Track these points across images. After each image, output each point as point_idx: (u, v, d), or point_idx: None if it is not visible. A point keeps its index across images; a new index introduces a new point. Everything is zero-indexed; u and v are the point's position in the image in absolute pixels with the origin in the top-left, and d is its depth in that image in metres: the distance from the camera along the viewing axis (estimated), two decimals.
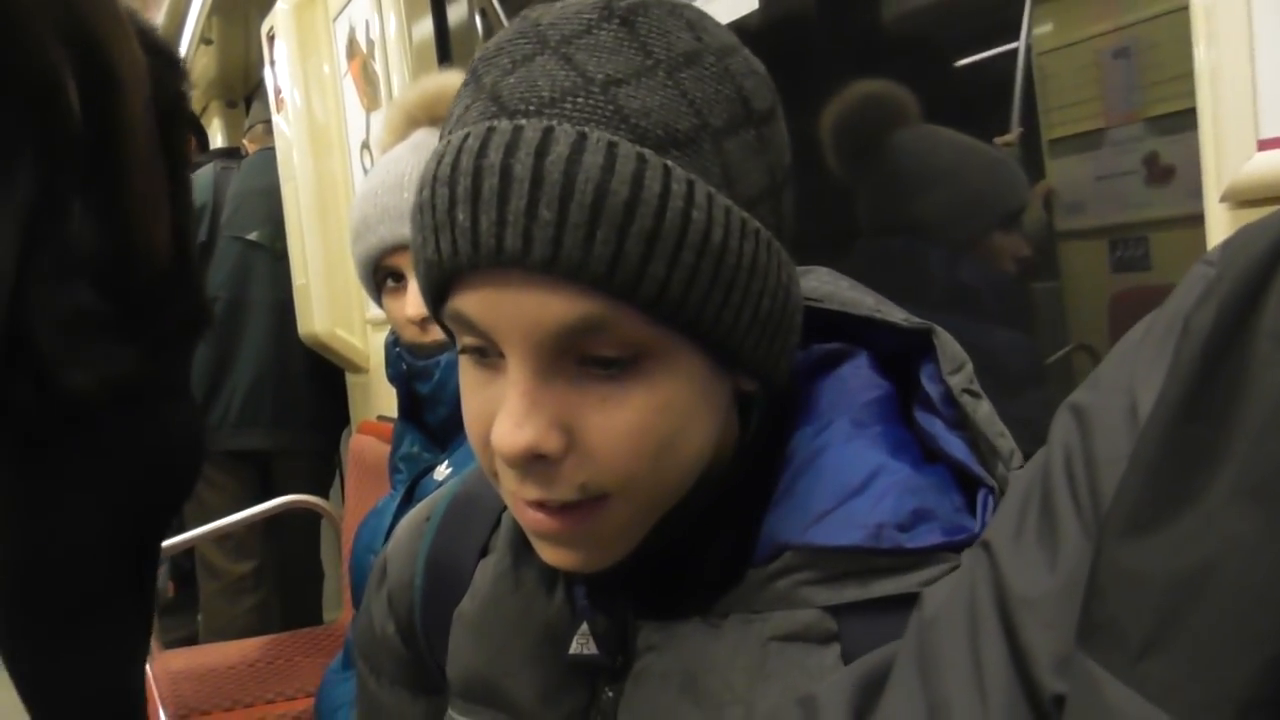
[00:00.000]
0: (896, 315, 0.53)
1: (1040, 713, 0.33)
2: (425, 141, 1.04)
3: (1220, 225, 0.60)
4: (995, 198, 0.90)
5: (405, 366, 1.05)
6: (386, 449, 1.85)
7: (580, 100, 0.42)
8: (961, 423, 0.51)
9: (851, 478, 0.48)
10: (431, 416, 1.07)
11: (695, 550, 0.50)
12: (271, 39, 2.41)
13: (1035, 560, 0.36)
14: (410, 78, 1.90)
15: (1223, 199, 0.59)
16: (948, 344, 0.52)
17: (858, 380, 0.52)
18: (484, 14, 1.79)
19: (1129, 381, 0.35)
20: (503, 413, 0.43)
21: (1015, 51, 0.82)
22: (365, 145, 2.14)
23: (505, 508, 0.57)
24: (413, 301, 1.01)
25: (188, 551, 2.70)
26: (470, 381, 0.46)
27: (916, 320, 0.53)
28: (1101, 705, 0.30)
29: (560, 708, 0.52)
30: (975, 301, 0.92)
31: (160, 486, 1.29)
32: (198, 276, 1.34)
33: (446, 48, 1.90)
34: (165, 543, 2.14)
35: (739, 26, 1.00)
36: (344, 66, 2.21)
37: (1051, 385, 0.87)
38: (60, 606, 1.19)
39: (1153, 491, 0.32)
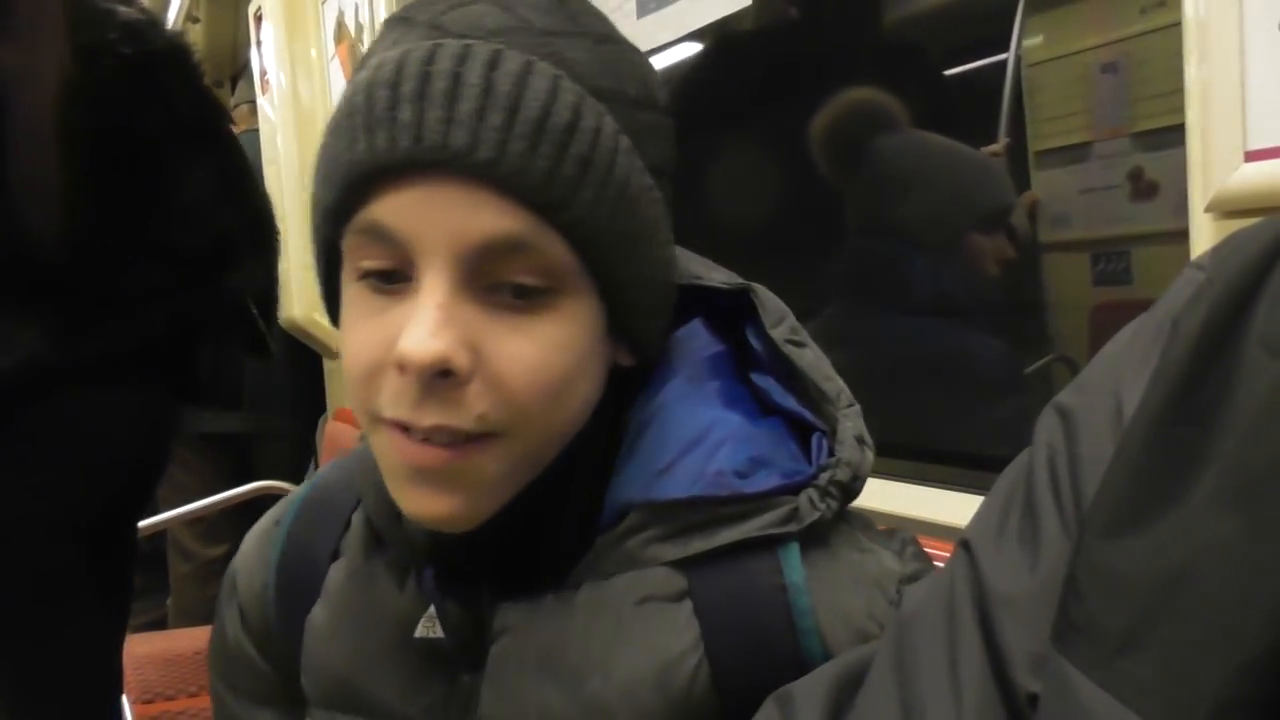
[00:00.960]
0: (716, 277, 0.54)
1: (1014, 712, 0.33)
2: None
3: (1205, 235, 0.61)
4: (979, 200, 0.90)
5: None
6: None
7: (521, 39, 0.44)
8: (794, 375, 0.52)
9: (688, 432, 0.49)
10: None
11: (546, 521, 0.50)
12: (259, 20, 2.38)
13: (1015, 559, 0.36)
14: None
15: (1208, 209, 0.60)
16: (767, 299, 0.53)
17: (694, 341, 0.53)
18: None
19: (1115, 384, 0.35)
20: (414, 323, 0.42)
21: (1004, 63, 0.83)
22: None
23: (355, 508, 0.58)
24: None
25: (156, 534, 2.68)
26: (361, 310, 0.46)
27: (736, 280, 0.54)
28: (1074, 705, 0.30)
29: (419, 700, 0.51)
30: (956, 307, 0.93)
31: (106, 474, 1.25)
32: (181, 264, 1.25)
33: None
34: (138, 525, 2.13)
35: (731, 30, 1.00)
36: (331, 49, 2.19)
37: (1032, 394, 0.87)
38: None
39: (1135, 492, 0.32)
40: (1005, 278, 0.88)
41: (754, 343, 0.53)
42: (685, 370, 0.52)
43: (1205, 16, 0.59)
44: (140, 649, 1.93)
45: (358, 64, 0.48)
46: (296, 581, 0.58)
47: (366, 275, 0.45)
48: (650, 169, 0.47)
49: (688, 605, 0.48)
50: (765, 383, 0.52)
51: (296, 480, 2.47)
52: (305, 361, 2.47)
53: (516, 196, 0.42)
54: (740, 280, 0.54)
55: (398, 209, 0.43)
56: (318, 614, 0.56)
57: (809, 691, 0.41)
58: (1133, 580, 0.30)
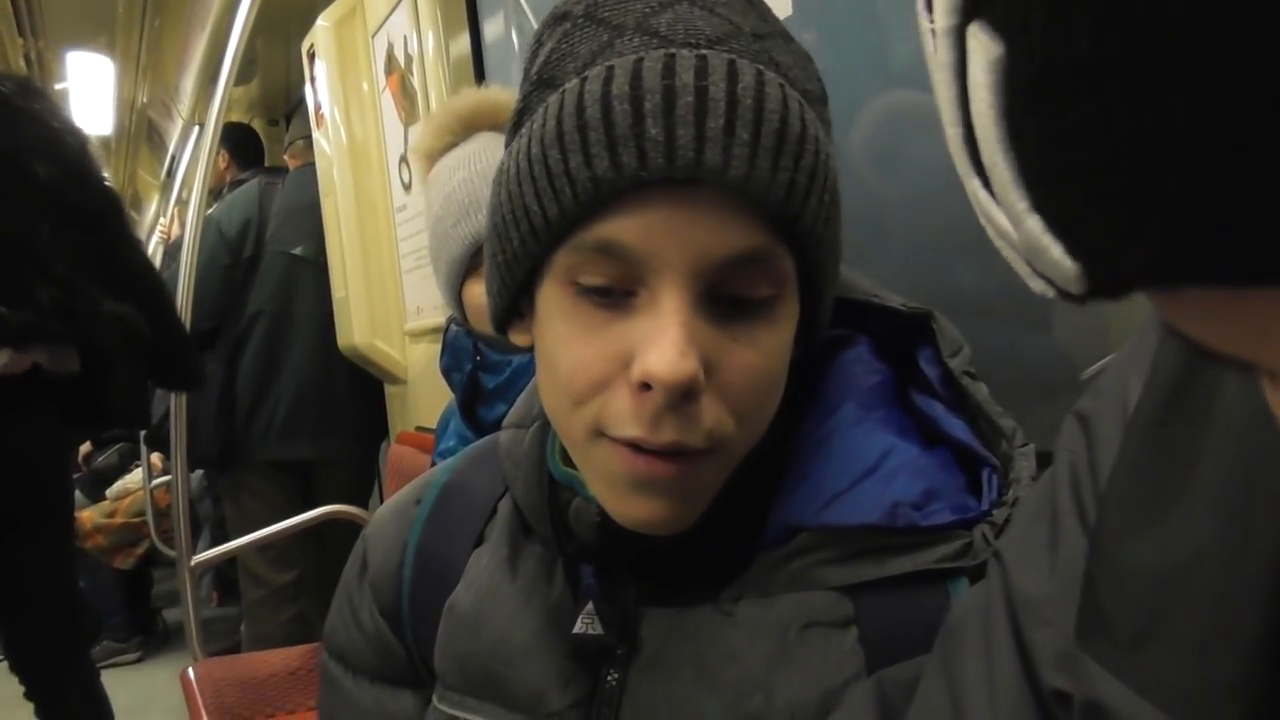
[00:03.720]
0: (894, 299, 0.54)
1: (1044, 710, 0.34)
2: (497, 142, 1.04)
3: None
4: None
5: (479, 357, 1.05)
6: (424, 459, 1.87)
7: (740, 44, 0.44)
8: (958, 405, 0.52)
9: (863, 460, 0.49)
10: (488, 411, 1.08)
11: (707, 534, 0.50)
12: (311, 56, 2.45)
13: (1040, 563, 0.37)
14: (448, 92, 1.92)
15: None
16: (946, 328, 0.53)
17: (860, 366, 0.53)
18: (520, 30, 1.81)
19: (1122, 387, 0.36)
20: (662, 343, 0.42)
21: None
22: (404, 159, 2.17)
23: (501, 496, 0.58)
24: None
25: (231, 562, 2.74)
26: (581, 325, 0.45)
27: (914, 304, 0.53)
28: (1095, 699, 0.31)
29: (562, 697, 0.51)
30: (1007, 307, 0.92)
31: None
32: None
33: (483, 63, 1.92)
34: (208, 554, 2.20)
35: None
36: (382, 82, 2.24)
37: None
38: None
39: (1137, 492, 0.33)
40: None
41: (926, 369, 0.52)
42: (855, 396, 0.51)
43: None
44: (217, 672, 1.98)
45: (545, 58, 0.46)
46: (435, 563, 0.58)
47: (585, 290, 0.44)
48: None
49: (853, 632, 0.47)
50: (931, 408, 0.51)
51: (361, 505, 2.52)
52: (367, 387, 2.52)
53: (761, 210, 0.42)
54: (919, 305, 0.53)
55: (638, 227, 0.42)
56: (460, 598, 0.56)
57: (859, 692, 0.43)
58: (1141, 577, 0.31)
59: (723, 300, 0.44)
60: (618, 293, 0.44)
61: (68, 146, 1.56)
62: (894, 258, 1.00)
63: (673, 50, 0.42)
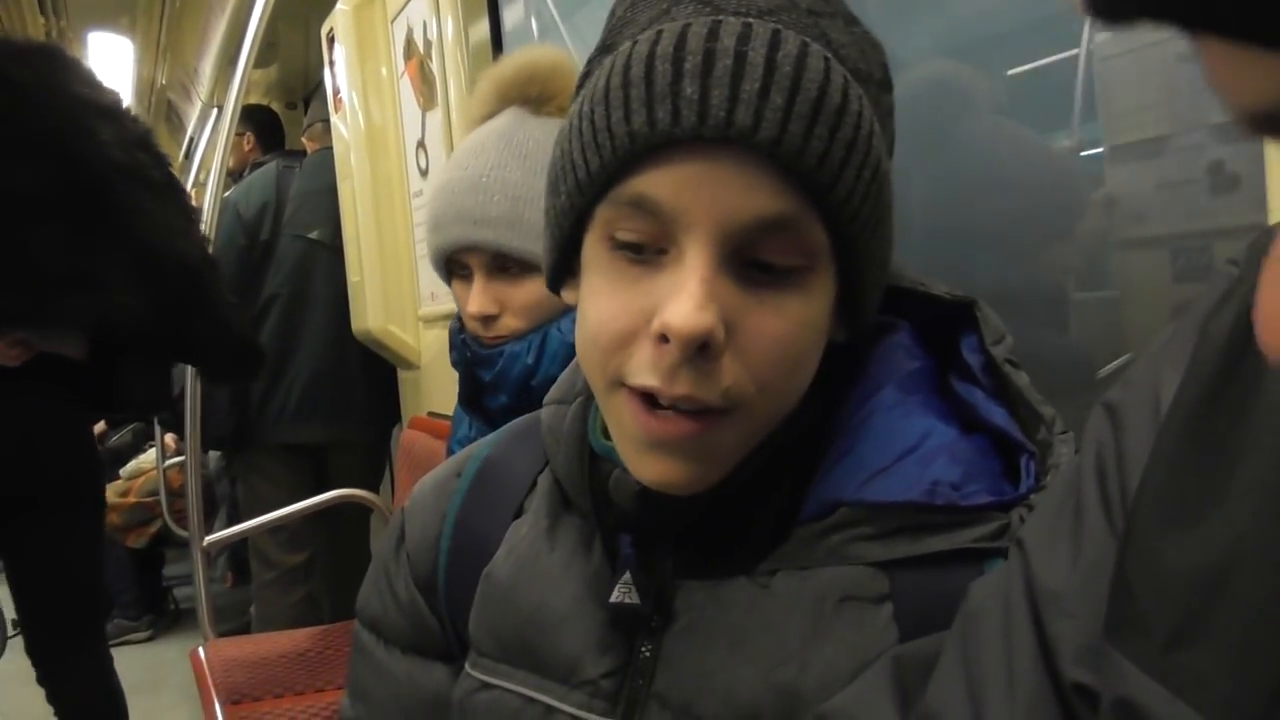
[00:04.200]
0: (939, 288, 0.54)
1: (1063, 701, 0.34)
2: (511, 131, 1.03)
3: None
4: (1057, 198, 0.88)
5: (470, 353, 1.06)
6: (436, 444, 1.88)
7: (793, 17, 0.45)
8: (999, 393, 0.52)
9: (904, 440, 0.49)
10: (492, 402, 1.09)
11: (748, 504, 0.51)
12: (331, 40, 2.45)
13: (1062, 554, 0.36)
14: (467, 78, 1.92)
15: None
16: (989, 316, 0.53)
17: (902, 351, 0.53)
18: (539, 16, 1.80)
19: (1154, 380, 0.36)
20: (681, 296, 0.43)
21: (1076, 57, 0.81)
22: (421, 144, 2.17)
23: (541, 470, 0.59)
24: (474, 299, 1.02)
25: (245, 543, 2.76)
26: (614, 278, 0.46)
27: (959, 293, 0.54)
28: (1127, 697, 0.31)
29: (598, 665, 0.52)
30: (1027, 304, 0.91)
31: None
32: None
33: (502, 48, 1.92)
34: (220, 534, 2.21)
35: None
36: (401, 67, 2.24)
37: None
38: None
39: (1176, 488, 0.32)
40: (1081, 274, 0.86)
41: (968, 356, 0.53)
42: (895, 380, 0.52)
43: None
44: (227, 652, 1.99)
45: (611, 26, 0.49)
46: (473, 536, 0.59)
47: (620, 246, 0.46)
48: (888, 151, 0.49)
49: (888, 608, 0.48)
50: (971, 394, 0.52)
51: (373, 489, 2.53)
52: (381, 371, 2.53)
53: (792, 176, 0.43)
54: (963, 294, 0.54)
55: (670, 183, 0.43)
56: (499, 567, 0.57)
57: (876, 670, 0.43)
58: (1181, 574, 0.31)
59: (752, 265, 0.45)
60: (650, 250, 0.45)
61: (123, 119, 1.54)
62: (913, 251, 1.00)
63: (720, 17, 0.44)
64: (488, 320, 1.02)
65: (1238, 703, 0.28)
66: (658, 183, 0.44)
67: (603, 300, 0.47)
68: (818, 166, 0.43)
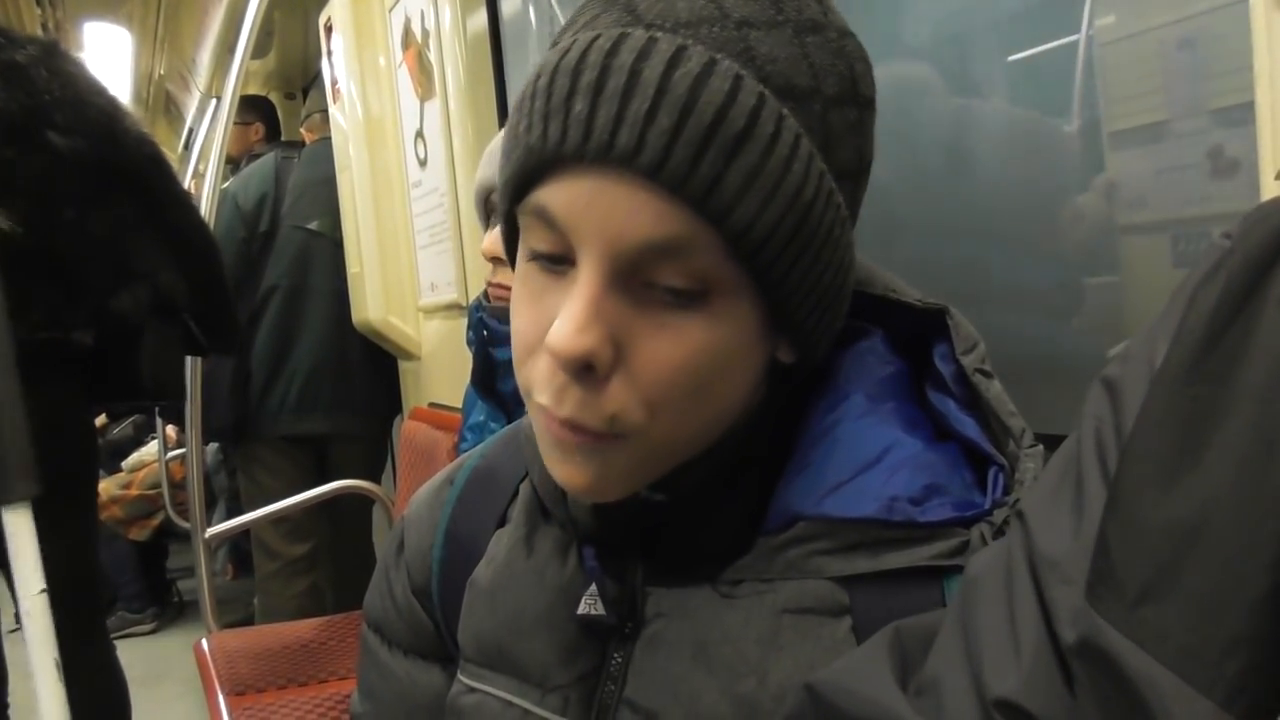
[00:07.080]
0: (911, 295, 0.53)
1: (1063, 662, 0.35)
2: None
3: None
4: (1056, 182, 0.88)
5: (486, 332, 1.06)
6: (437, 435, 1.88)
7: (715, 30, 0.43)
8: (972, 402, 0.51)
9: (866, 451, 0.49)
10: (504, 385, 1.08)
11: (708, 515, 0.51)
12: (329, 30, 2.44)
13: (1063, 525, 0.37)
14: (465, 68, 1.91)
15: (1279, 176, 0.59)
16: (961, 324, 0.52)
17: (873, 357, 0.53)
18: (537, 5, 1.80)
19: (1149, 352, 0.36)
20: (565, 314, 0.43)
21: (1076, 42, 0.81)
22: (419, 134, 2.17)
23: (523, 478, 0.59)
24: (488, 238, 1.02)
25: (246, 535, 2.77)
26: (530, 289, 0.46)
27: (930, 300, 0.53)
28: (1101, 655, 0.32)
29: (570, 670, 0.53)
30: (1031, 292, 0.91)
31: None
32: None
33: (499, 38, 1.91)
34: (222, 526, 2.21)
35: None
36: (399, 56, 2.23)
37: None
38: None
39: (1158, 447, 0.33)
40: (1082, 261, 0.86)
41: (940, 365, 0.52)
42: (865, 387, 0.51)
43: None
44: (231, 644, 2.00)
45: (563, 27, 0.48)
46: (462, 544, 0.60)
47: (535, 256, 0.46)
48: (838, 171, 0.45)
49: (847, 622, 0.48)
50: (943, 404, 0.51)
51: (375, 480, 2.53)
52: (382, 362, 2.53)
53: (679, 201, 0.41)
54: (934, 301, 0.53)
55: (564, 199, 0.43)
56: (481, 574, 0.58)
57: (873, 642, 0.43)
58: (1154, 533, 0.32)
59: (654, 286, 0.43)
60: (559, 261, 0.45)
61: (92, 109, 1.54)
62: (913, 245, 0.99)
63: (629, 30, 0.42)
64: (497, 264, 1.01)
65: (1200, 653, 0.29)
66: (554, 197, 0.43)
67: (519, 308, 0.47)
68: (707, 193, 0.41)
